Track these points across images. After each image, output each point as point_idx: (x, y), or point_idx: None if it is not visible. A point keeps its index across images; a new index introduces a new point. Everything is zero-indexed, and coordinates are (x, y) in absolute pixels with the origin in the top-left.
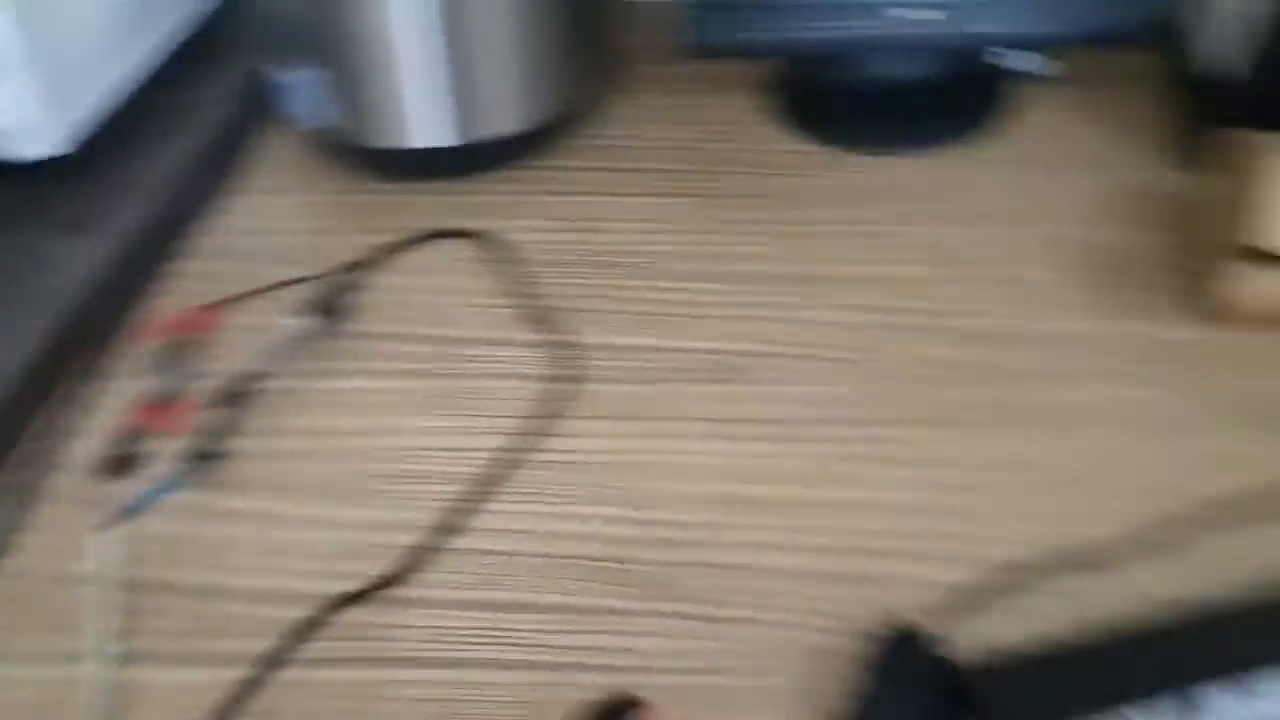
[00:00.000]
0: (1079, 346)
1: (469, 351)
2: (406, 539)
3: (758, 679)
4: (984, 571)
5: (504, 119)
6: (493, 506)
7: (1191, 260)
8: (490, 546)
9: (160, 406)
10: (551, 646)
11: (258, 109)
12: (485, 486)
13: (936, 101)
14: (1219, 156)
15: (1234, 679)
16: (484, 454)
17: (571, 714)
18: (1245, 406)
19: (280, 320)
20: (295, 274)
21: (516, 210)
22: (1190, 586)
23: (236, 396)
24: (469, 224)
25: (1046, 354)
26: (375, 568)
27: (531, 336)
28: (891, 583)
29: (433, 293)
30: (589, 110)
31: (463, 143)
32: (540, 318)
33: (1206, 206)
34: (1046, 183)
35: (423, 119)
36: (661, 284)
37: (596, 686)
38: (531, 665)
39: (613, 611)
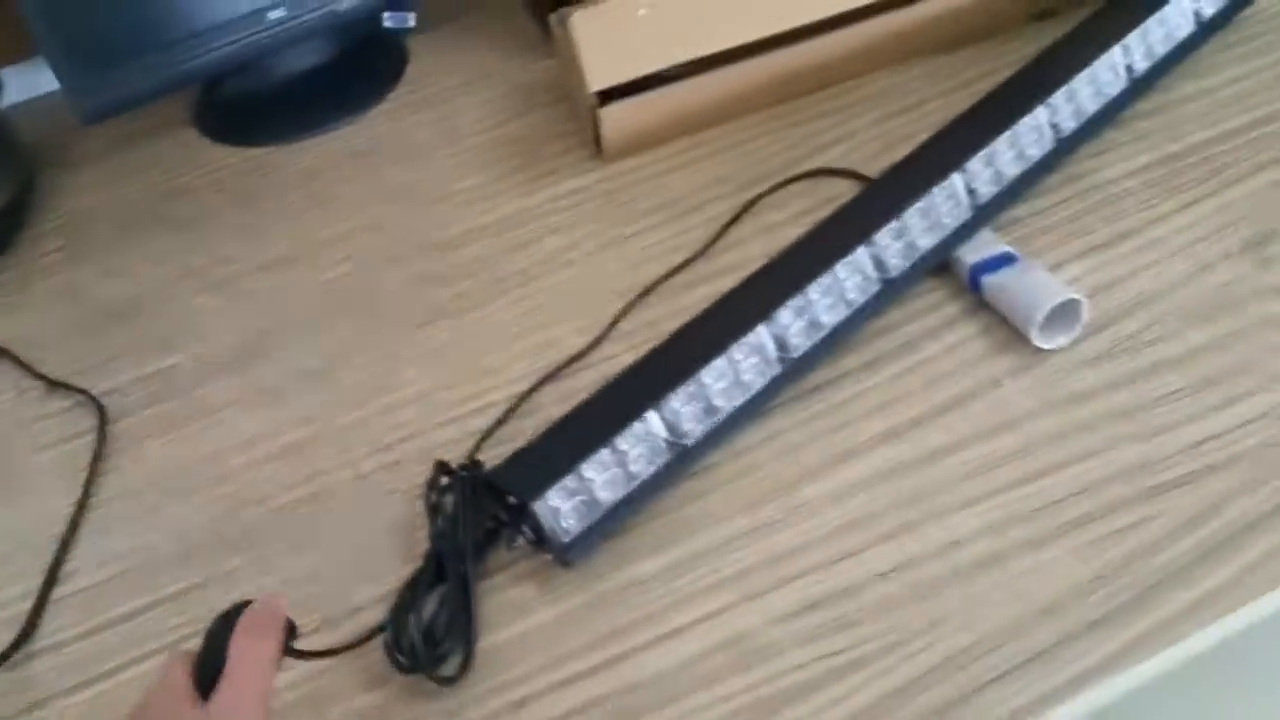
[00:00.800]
0: (521, 220)
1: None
2: (15, 609)
3: (356, 566)
4: (506, 406)
5: None
6: (81, 549)
7: (574, 123)
8: (93, 579)
9: None
10: (183, 624)
11: None
12: (66, 537)
13: (345, 76)
14: (559, 37)
15: (686, 385)
16: (55, 514)
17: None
18: (652, 210)
19: None
20: None
21: (13, 309)
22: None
23: None
24: None
25: (501, 234)
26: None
27: (54, 406)
28: (439, 446)
29: None
30: (29, 200)
31: None
32: (55, 387)
33: (564, 76)
34: (456, 107)
35: None
36: (161, 312)
37: None
38: (169, 645)
39: (227, 575)
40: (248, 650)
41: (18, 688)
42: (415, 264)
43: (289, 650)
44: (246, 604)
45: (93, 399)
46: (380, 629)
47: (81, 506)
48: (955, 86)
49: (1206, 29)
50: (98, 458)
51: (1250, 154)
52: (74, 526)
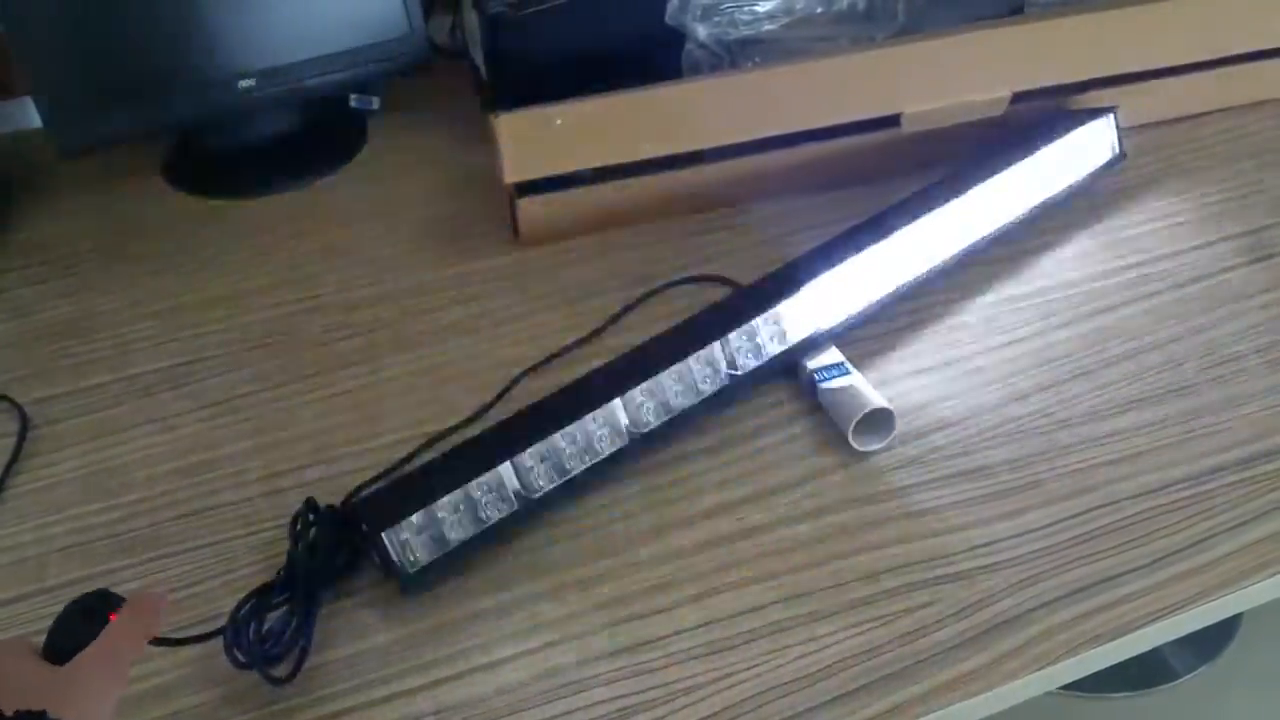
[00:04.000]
0: (434, 288)
1: None
2: None
3: (225, 578)
4: (393, 452)
5: None
6: None
7: (499, 210)
8: None
9: None
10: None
11: None
12: None
13: (306, 144)
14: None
15: (540, 446)
16: None
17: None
18: (554, 293)
19: None
20: None
21: None
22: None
23: None
24: None
25: (414, 299)
26: None
27: None
28: (321, 481)
29: None
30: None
31: None
32: None
33: (495, 169)
34: (399, 184)
35: None
36: (98, 336)
37: None
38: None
39: (110, 573)
40: (123, 627)
41: None
42: (329, 317)
43: None
44: (102, 593)
45: (15, 405)
46: (223, 629)
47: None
48: (835, 219)
49: (1069, 194)
50: (15, 458)
51: (1076, 304)
52: None
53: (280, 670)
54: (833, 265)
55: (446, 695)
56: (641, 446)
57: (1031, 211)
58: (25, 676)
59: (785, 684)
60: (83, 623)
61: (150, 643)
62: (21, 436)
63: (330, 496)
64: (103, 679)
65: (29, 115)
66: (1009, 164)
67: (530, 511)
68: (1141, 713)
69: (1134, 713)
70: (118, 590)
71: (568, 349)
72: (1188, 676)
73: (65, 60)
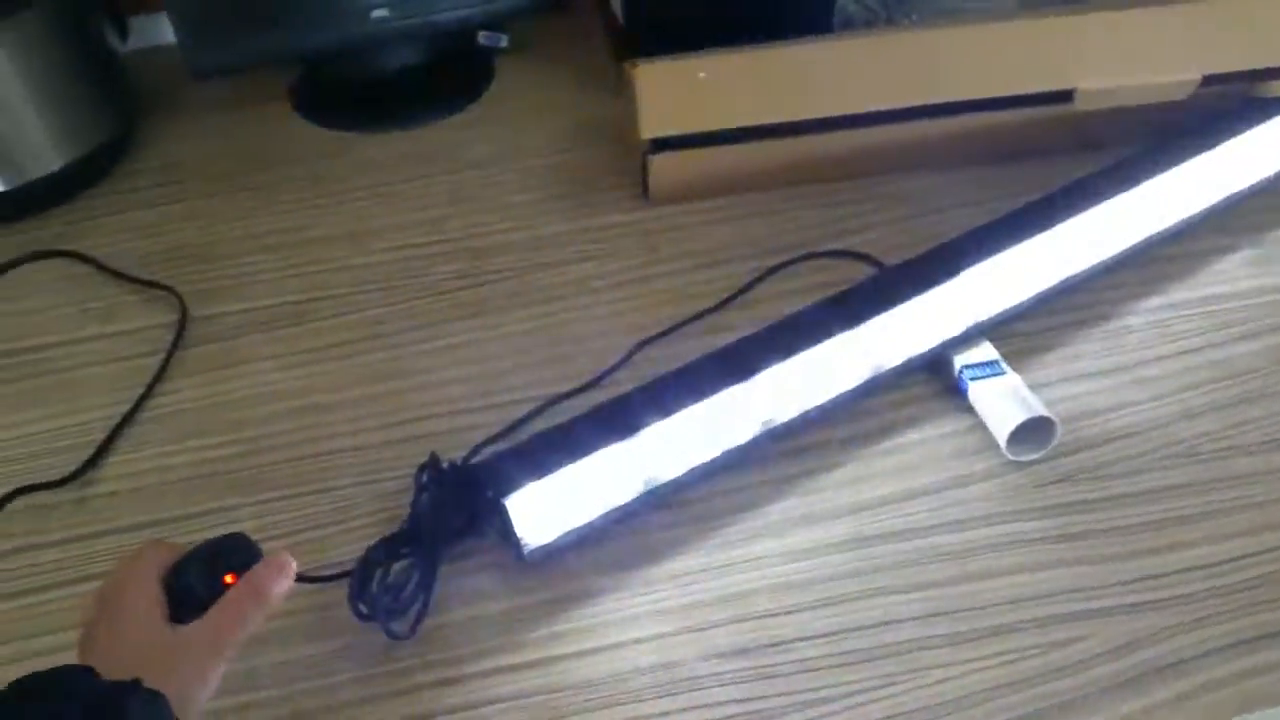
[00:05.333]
0: (558, 242)
1: (66, 351)
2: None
3: (342, 526)
4: (512, 411)
5: (40, 161)
6: (112, 459)
7: (628, 163)
8: (112, 488)
9: None
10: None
11: None
12: (103, 446)
13: (433, 80)
14: (624, 82)
15: (671, 423)
16: (96, 424)
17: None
18: (682, 256)
19: None
20: None
21: (97, 229)
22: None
23: None
24: (56, 247)
25: (538, 251)
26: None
27: (125, 326)
28: (438, 435)
29: (25, 313)
30: (130, 137)
31: (10, 187)
32: (131, 309)
33: (626, 120)
34: (525, 129)
35: None
36: (223, 263)
37: None
38: None
39: (225, 509)
40: (243, 601)
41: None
42: (451, 264)
43: None
44: (237, 537)
45: (164, 325)
46: (346, 574)
47: (122, 423)
48: (989, 198)
49: (1255, 192)
50: (157, 379)
51: (1259, 315)
52: (111, 438)
53: (398, 625)
54: (991, 252)
55: (562, 674)
56: (774, 433)
57: (1212, 208)
58: (145, 630)
59: (921, 709)
60: (210, 573)
61: None
62: (176, 340)
63: (448, 452)
64: (211, 651)
65: (164, 30)
66: (1191, 154)
67: (652, 491)
68: None
69: None
70: (241, 528)
71: (695, 318)
72: None
73: None
